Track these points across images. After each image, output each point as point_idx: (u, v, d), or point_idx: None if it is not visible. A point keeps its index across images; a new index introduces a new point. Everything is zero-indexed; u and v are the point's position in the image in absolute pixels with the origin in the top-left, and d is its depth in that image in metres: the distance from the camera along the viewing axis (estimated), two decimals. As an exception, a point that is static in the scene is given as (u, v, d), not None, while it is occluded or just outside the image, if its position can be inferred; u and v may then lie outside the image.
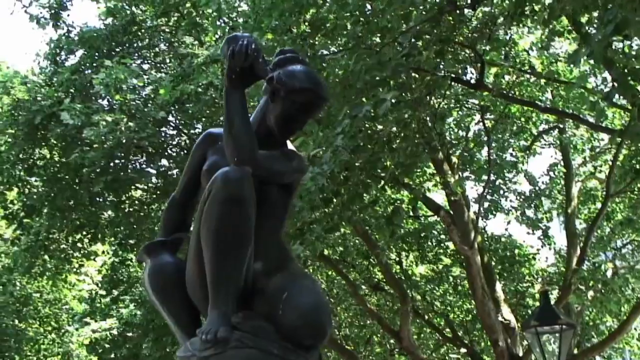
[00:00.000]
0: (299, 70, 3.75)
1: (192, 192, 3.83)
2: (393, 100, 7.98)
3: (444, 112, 11.42)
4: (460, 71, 10.90)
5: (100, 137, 11.88)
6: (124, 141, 12.04)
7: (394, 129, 9.35)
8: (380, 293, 17.49)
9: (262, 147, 3.66)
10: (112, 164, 12.62)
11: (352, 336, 20.08)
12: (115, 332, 20.51)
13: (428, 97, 9.81)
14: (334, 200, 9.33)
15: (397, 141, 9.50)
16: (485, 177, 14.39)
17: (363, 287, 17.41)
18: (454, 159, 13.37)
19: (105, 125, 11.90)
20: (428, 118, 10.07)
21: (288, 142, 3.91)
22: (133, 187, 14.73)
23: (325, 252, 17.44)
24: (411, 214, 15.63)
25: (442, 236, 16.57)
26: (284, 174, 3.71)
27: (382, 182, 10.10)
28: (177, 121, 13.74)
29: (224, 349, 3.25)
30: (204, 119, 13.56)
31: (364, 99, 8.72)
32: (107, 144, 12.05)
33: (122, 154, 12.30)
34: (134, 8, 14.20)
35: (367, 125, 8.96)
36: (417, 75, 9.45)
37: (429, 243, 17.05)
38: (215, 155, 3.74)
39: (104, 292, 19.11)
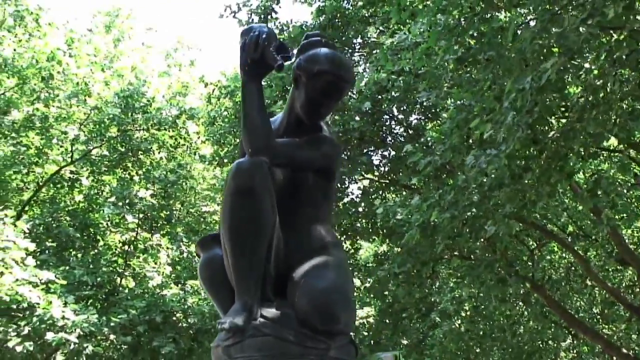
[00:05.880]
0: (320, 53, 3.74)
1: None
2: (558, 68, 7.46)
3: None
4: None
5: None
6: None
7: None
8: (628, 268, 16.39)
9: (294, 134, 3.73)
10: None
11: (612, 315, 19.12)
12: (371, 320, 21.65)
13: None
14: (524, 175, 8.92)
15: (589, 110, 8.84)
16: None
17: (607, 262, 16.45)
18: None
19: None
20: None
21: (323, 126, 3.89)
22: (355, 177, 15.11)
23: (570, 228, 16.79)
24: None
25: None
26: (310, 160, 3.68)
27: (582, 152, 9.39)
28: (384, 108, 13.64)
29: (242, 338, 3.33)
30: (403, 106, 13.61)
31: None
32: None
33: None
34: (343, 3, 14.53)
35: (550, 98, 8.44)
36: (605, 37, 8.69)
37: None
38: None
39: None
